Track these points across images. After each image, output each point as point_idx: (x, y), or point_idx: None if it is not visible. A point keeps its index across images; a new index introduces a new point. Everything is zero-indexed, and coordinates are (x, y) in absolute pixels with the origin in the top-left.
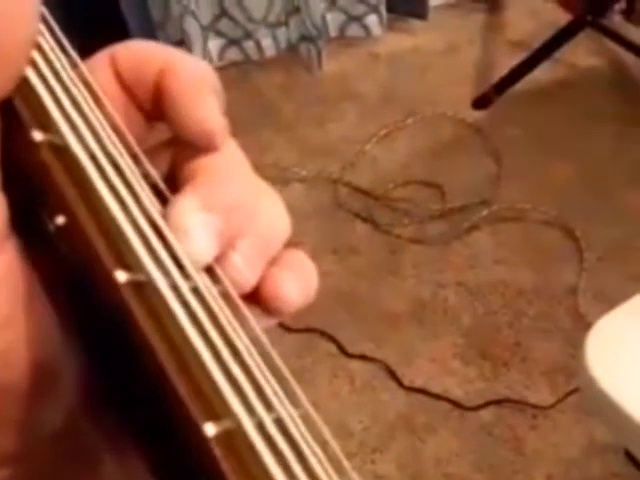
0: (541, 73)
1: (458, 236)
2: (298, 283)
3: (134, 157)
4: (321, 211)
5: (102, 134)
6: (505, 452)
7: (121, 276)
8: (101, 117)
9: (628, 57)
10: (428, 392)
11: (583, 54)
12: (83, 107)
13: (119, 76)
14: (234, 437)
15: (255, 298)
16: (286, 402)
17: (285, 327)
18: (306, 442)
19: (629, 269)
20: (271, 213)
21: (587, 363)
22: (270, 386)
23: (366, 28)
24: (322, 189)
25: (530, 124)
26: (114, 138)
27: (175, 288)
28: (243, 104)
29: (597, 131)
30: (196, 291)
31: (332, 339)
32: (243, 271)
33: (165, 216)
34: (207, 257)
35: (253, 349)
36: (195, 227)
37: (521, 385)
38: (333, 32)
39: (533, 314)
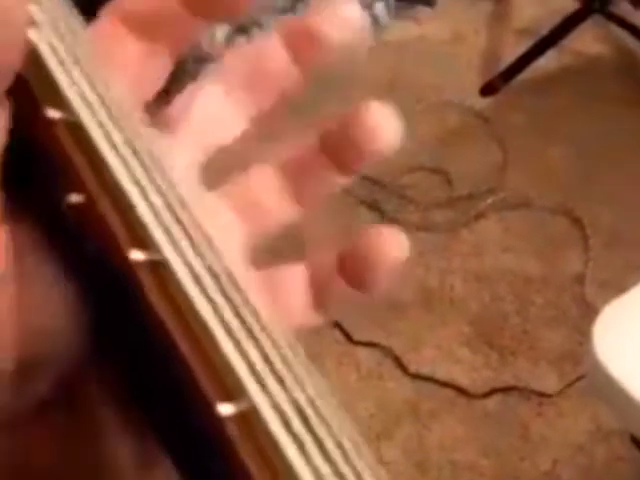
0: (548, 61)
1: (465, 224)
2: None
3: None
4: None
5: (115, 109)
6: (511, 439)
7: (137, 255)
8: (115, 90)
9: (635, 44)
10: (434, 379)
11: (590, 41)
12: (95, 82)
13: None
14: (249, 417)
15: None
16: (303, 383)
17: None
18: (323, 424)
19: (635, 257)
20: None
21: (594, 349)
22: (287, 367)
23: (374, 15)
24: None
25: (536, 112)
26: (127, 111)
27: (190, 267)
28: None
29: (604, 119)
30: (211, 271)
31: (338, 326)
32: None
33: None
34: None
35: (270, 330)
36: None
37: (528, 373)
38: None
39: (540, 302)
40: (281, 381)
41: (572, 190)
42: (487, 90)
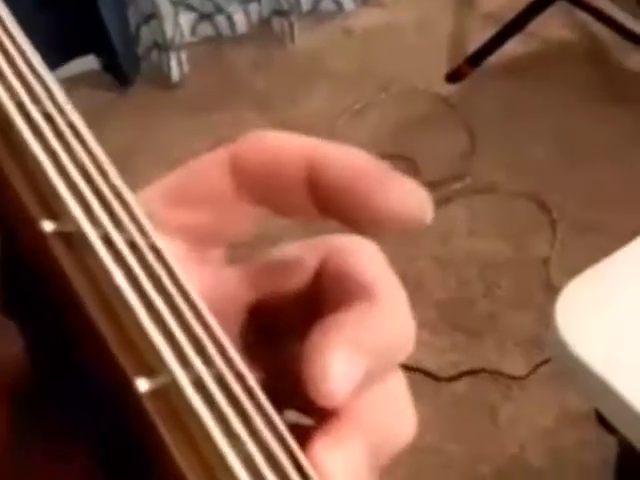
0: (514, 46)
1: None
2: None
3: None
4: None
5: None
6: (479, 422)
7: (47, 226)
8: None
9: (600, 29)
10: (402, 364)
11: (556, 27)
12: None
13: (237, 171)
14: (168, 393)
15: None
16: (231, 359)
17: None
18: (249, 399)
19: (601, 241)
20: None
21: (557, 327)
22: (213, 343)
23: (339, 3)
24: None
25: (503, 97)
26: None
27: (107, 241)
28: (215, 80)
29: (569, 104)
30: (132, 245)
31: None
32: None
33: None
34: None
35: (193, 302)
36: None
37: (495, 356)
38: (305, 6)
39: (506, 286)
40: (203, 355)
41: (539, 175)
42: (454, 76)
